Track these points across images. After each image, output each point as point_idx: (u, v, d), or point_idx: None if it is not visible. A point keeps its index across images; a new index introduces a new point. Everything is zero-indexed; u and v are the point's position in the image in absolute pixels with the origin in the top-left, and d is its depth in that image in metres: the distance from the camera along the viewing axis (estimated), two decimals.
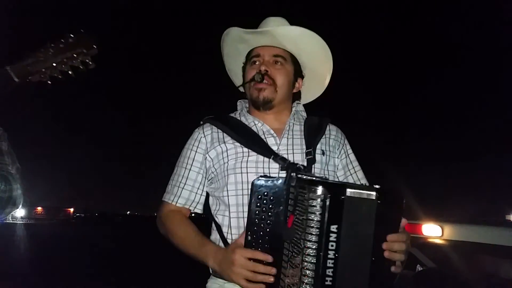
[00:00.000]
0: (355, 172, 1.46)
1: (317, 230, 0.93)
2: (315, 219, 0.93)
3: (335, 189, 0.95)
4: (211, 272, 1.35)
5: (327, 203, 0.92)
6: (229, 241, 1.27)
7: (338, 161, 1.45)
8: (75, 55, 1.13)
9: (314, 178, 1.07)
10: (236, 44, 1.49)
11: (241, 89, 1.54)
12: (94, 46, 1.15)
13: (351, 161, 1.48)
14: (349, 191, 0.95)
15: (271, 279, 1.04)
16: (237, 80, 1.58)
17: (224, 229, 1.30)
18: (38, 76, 1.11)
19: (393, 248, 1.02)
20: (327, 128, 1.47)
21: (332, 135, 1.47)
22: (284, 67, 1.42)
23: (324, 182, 0.98)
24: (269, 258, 1.05)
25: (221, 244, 1.29)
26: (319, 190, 0.93)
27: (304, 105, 1.57)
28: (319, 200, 0.93)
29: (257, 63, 1.43)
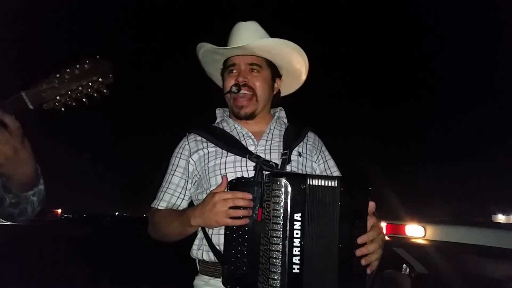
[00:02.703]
0: None
1: (281, 219, 0.97)
2: (280, 209, 0.97)
3: (296, 179, 0.99)
4: (198, 269, 1.40)
5: (289, 192, 0.97)
6: (210, 236, 1.32)
7: (316, 165, 1.50)
8: (90, 83, 1.10)
9: (279, 171, 1.12)
10: (211, 55, 1.52)
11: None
12: (110, 75, 1.12)
13: (329, 167, 1.52)
14: (310, 180, 0.99)
15: (250, 212, 1.10)
16: (218, 82, 1.62)
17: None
18: (52, 104, 1.08)
19: (368, 252, 1.05)
20: (306, 135, 1.52)
21: (310, 141, 1.52)
22: (261, 73, 1.46)
23: (287, 173, 1.03)
24: (249, 196, 1.12)
25: (205, 242, 1.33)
26: (282, 180, 0.98)
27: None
28: (282, 190, 0.97)
29: (234, 71, 1.46)
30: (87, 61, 1.11)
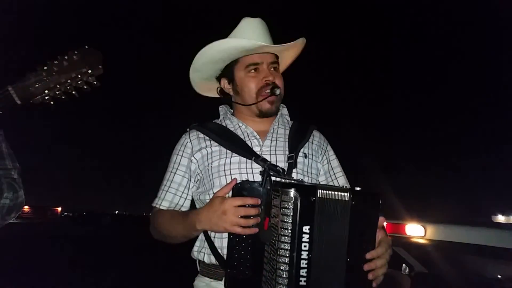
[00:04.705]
0: (336, 178, 1.47)
1: (290, 231, 0.95)
2: (288, 221, 0.95)
3: (306, 190, 0.97)
4: (198, 270, 1.38)
5: (298, 204, 0.95)
6: (212, 239, 1.29)
7: (320, 166, 1.47)
8: (79, 76, 1.05)
9: (287, 181, 1.10)
10: (230, 51, 1.40)
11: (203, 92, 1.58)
12: (100, 66, 1.07)
13: (332, 167, 1.49)
14: (320, 192, 0.97)
15: (259, 220, 1.09)
16: (203, 85, 1.56)
17: None
18: (41, 98, 1.04)
19: (376, 267, 1.03)
20: (312, 134, 1.49)
21: (315, 141, 1.49)
22: (278, 71, 1.46)
23: (296, 184, 1.00)
24: (258, 201, 1.10)
25: (206, 244, 1.31)
26: (291, 192, 0.95)
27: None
28: (291, 202, 0.95)
29: (253, 71, 1.40)
30: (76, 52, 1.06)
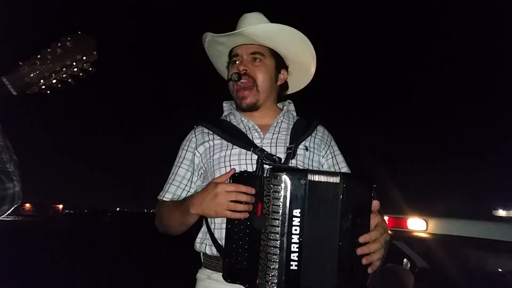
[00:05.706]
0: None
1: (280, 215, 0.95)
2: (279, 205, 0.95)
3: (296, 174, 0.97)
4: (202, 261, 1.40)
5: (288, 188, 0.95)
6: (212, 230, 1.31)
7: (323, 160, 1.47)
8: (74, 63, 1.04)
9: (279, 166, 1.10)
10: (215, 46, 1.51)
11: None
12: (94, 52, 1.05)
13: (337, 162, 1.49)
14: (310, 176, 0.96)
15: (251, 207, 1.09)
16: (226, 76, 1.59)
17: (210, 220, 1.34)
18: (37, 87, 1.03)
19: (369, 251, 1.02)
20: (315, 129, 1.49)
21: (319, 135, 1.49)
22: (263, 62, 1.44)
23: (287, 168, 1.01)
24: (252, 190, 1.10)
25: (208, 236, 1.33)
26: (282, 176, 0.95)
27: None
28: (281, 185, 0.95)
29: (237, 62, 1.45)
30: (69, 38, 1.04)
